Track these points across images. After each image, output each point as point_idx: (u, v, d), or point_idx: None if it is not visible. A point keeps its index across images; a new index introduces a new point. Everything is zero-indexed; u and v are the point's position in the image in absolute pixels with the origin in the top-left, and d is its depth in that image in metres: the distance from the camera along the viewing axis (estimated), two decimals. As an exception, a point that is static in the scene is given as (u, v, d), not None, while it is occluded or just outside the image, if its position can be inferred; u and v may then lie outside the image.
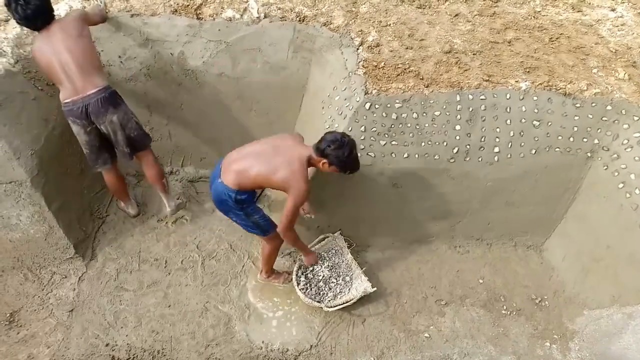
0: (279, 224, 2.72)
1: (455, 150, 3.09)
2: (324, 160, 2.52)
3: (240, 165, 2.60)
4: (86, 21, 2.86)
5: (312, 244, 3.33)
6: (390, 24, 3.33)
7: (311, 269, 3.30)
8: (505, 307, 3.36)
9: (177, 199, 3.63)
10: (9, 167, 2.83)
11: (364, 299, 3.21)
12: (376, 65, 3.04)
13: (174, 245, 3.44)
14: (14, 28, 3.01)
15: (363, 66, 3.05)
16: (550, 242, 3.65)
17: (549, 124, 3.11)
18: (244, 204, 2.69)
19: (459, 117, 3.03)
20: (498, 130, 3.09)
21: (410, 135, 3.01)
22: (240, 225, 2.86)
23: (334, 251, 3.40)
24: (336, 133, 2.53)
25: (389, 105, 2.94)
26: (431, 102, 2.98)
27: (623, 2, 3.82)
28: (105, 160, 3.08)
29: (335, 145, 2.47)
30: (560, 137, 3.14)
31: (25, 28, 2.85)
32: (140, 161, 3.25)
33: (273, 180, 2.54)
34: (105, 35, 3.18)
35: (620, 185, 3.06)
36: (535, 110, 3.08)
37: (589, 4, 3.79)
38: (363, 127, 2.95)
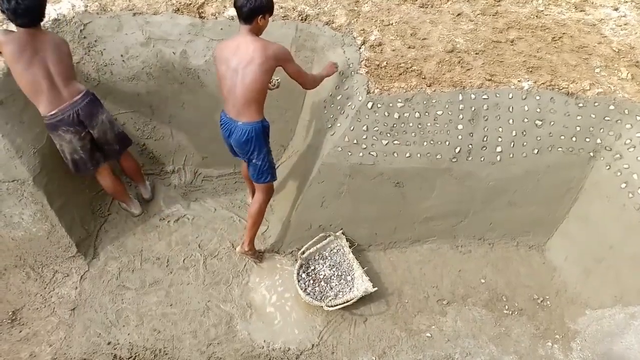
0: (308, 84, 2.79)
1: (457, 150, 3.09)
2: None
3: (239, 96, 2.60)
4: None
5: (312, 242, 3.33)
6: (392, 23, 3.33)
7: (312, 268, 3.30)
8: (507, 307, 3.36)
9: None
10: (11, 166, 2.84)
11: (366, 299, 3.21)
12: (378, 65, 3.04)
13: (175, 244, 3.44)
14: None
15: (365, 65, 3.05)
16: (553, 242, 3.64)
17: (552, 123, 3.10)
18: (268, 130, 2.81)
19: (461, 116, 3.02)
20: (500, 129, 3.09)
21: (413, 134, 3.01)
22: (258, 167, 2.88)
23: (335, 250, 3.40)
24: None
25: (391, 105, 2.93)
26: (433, 101, 2.97)
27: (626, 2, 3.81)
28: (98, 159, 3.08)
29: None
30: (562, 137, 3.14)
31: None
32: (120, 161, 3.34)
33: (266, 65, 2.52)
34: (107, 34, 3.18)
35: (623, 185, 3.06)
36: (538, 110, 3.08)
37: (592, 3, 3.78)
38: (365, 126, 2.94)
